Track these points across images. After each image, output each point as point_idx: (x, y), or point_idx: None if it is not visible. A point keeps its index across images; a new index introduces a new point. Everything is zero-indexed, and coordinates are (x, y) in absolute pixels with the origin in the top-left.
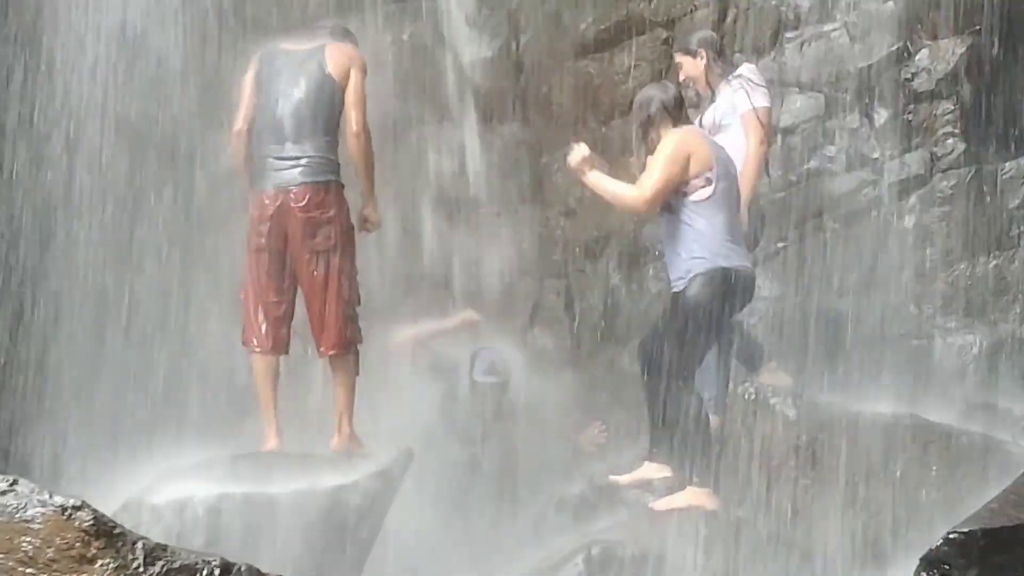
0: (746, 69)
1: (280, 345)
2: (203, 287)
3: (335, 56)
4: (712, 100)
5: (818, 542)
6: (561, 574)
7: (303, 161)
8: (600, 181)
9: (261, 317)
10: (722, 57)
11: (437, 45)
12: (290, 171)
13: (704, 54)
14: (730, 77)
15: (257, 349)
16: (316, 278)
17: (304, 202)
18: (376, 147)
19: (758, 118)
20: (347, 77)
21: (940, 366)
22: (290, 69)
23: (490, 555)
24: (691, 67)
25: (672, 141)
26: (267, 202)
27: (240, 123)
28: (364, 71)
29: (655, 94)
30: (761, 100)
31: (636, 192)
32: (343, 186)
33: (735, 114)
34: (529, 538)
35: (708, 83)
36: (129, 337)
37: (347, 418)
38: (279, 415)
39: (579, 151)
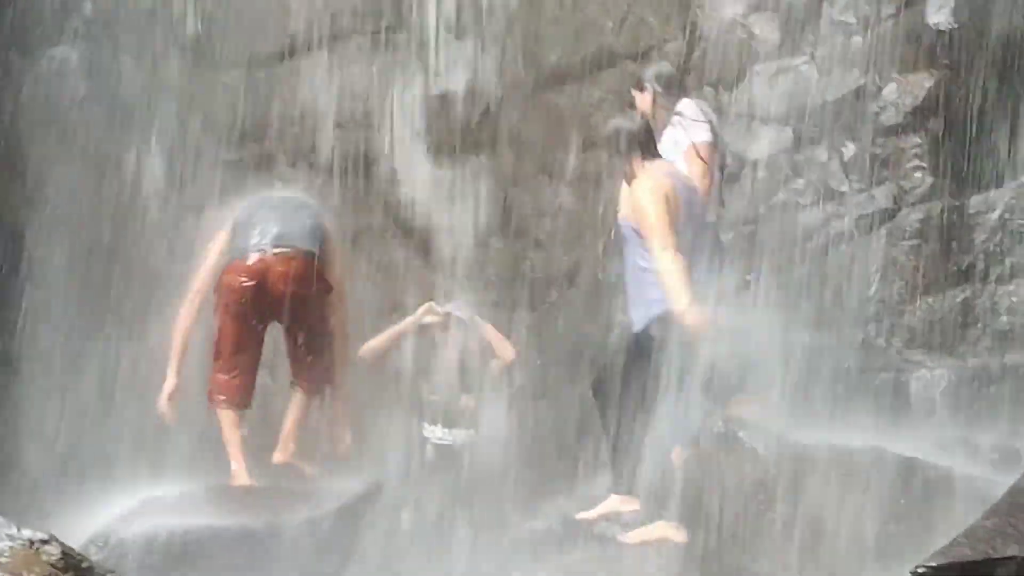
0: (685, 106)
1: (249, 399)
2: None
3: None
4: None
5: (786, 575)
6: None
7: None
8: (677, 291)
9: (230, 376)
10: (673, 92)
11: (407, 77)
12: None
13: (651, 88)
14: (672, 114)
15: (225, 406)
16: (298, 337)
17: (286, 268)
18: (346, 181)
19: (697, 153)
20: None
21: (909, 400)
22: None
23: None
24: (640, 102)
25: (647, 189)
26: (248, 268)
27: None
28: None
29: (622, 125)
30: (700, 135)
31: (665, 258)
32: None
33: (677, 151)
34: (499, 571)
35: (657, 119)
36: (94, 372)
37: (294, 436)
38: (246, 453)
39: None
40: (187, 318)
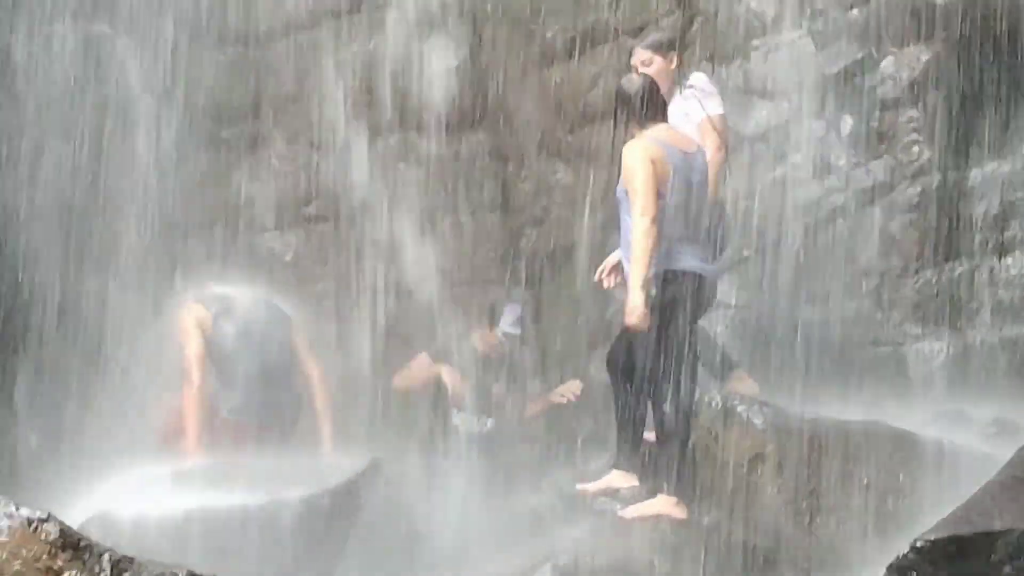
0: (697, 78)
1: None
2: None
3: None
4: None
5: (785, 549)
6: None
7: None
8: (635, 267)
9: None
10: (675, 61)
11: (400, 55)
12: None
13: (674, 58)
14: (682, 86)
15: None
16: None
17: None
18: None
19: (713, 125)
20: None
21: (907, 373)
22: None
23: (457, 564)
24: (661, 66)
25: (633, 156)
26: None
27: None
28: None
29: (621, 86)
30: (715, 107)
31: (641, 224)
32: None
33: (689, 122)
34: (496, 547)
35: (662, 88)
36: (95, 349)
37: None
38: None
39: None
40: (192, 407)
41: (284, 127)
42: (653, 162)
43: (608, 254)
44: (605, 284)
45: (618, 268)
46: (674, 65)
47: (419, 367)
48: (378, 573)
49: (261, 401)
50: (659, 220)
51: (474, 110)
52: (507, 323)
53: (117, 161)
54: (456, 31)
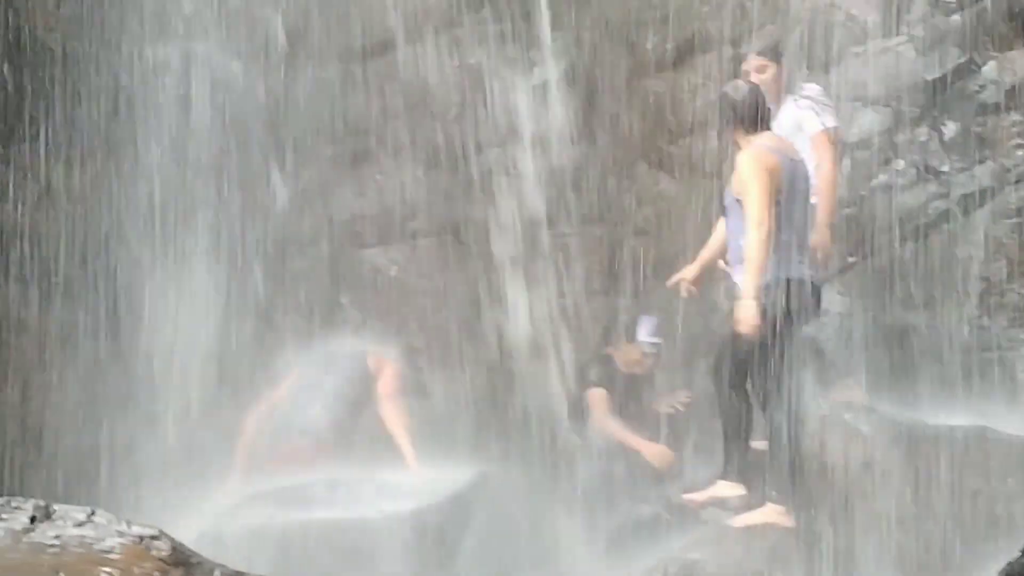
0: (812, 89)
1: None
2: (276, 315)
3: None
4: (774, 115)
5: (891, 557)
6: None
7: None
8: (749, 278)
9: None
10: (784, 70)
11: (502, 69)
12: None
13: (768, 64)
14: (797, 95)
15: None
16: None
17: None
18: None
19: (829, 139)
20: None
21: (1015, 378)
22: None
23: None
24: (772, 74)
25: (749, 165)
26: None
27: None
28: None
29: (726, 93)
30: (831, 120)
31: (757, 235)
32: None
33: (801, 133)
34: (605, 558)
35: (772, 95)
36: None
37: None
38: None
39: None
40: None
41: (388, 142)
42: (769, 171)
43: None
44: (684, 292)
45: (699, 280)
46: (784, 72)
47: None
48: None
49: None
50: (773, 230)
51: (575, 122)
52: (646, 334)
53: (220, 181)
54: (557, 44)
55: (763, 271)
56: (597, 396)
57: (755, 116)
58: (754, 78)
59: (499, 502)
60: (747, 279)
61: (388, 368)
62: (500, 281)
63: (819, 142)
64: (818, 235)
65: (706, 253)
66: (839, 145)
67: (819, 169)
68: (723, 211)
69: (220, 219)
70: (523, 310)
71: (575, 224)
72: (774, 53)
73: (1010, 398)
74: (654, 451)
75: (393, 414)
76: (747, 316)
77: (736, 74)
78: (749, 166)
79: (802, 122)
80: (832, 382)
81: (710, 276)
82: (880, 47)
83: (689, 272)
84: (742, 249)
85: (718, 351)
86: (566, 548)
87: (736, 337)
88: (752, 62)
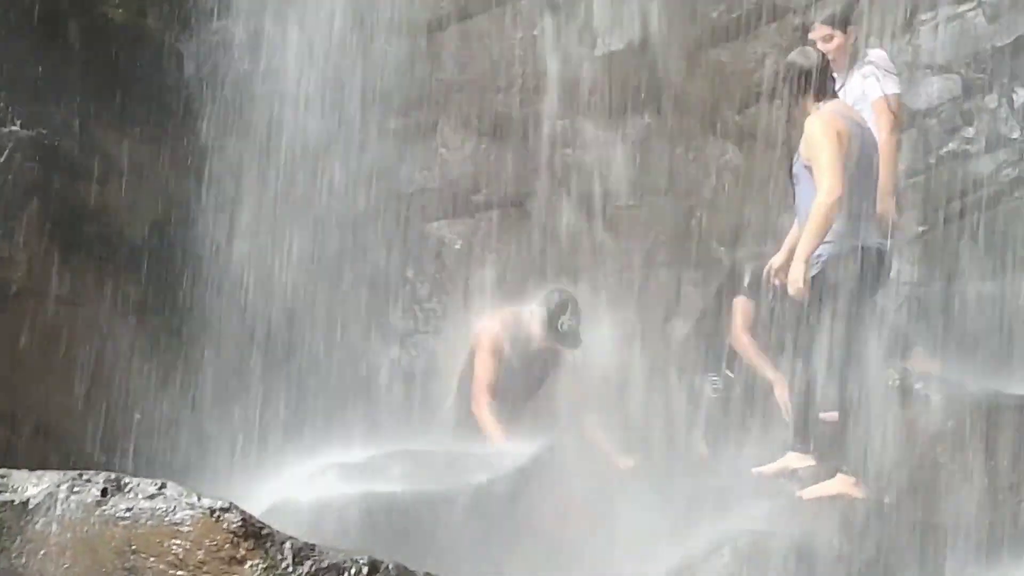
0: (876, 55)
1: None
2: (344, 289)
3: None
4: (842, 84)
5: (964, 526)
6: (707, 565)
7: None
8: (806, 240)
9: None
10: (852, 38)
11: (571, 39)
12: None
13: (852, 32)
14: (861, 63)
15: None
16: None
17: None
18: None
19: (889, 106)
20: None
21: None
22: None
23: (637, 548)
24: (839, 43)
25: (820, 130)
26: None
27: None
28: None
29: (795, 60)
30: (892, 87)
31: (826, 199)
32: None
33: (865, 100)
34: (674, 530)
35: (835, 61)
36: (274, 339)
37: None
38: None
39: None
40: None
41: (452, 116)
42: (839, 136)
43: (778, 234)
44: (775, 281)
45: (785, 268)
46: (852, 40)
47: None
48: (556, 557)
49: None
50: (844, 196)
51: (640, 92)
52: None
53: (286, 155)
54: (621, 14)
55: (822, 236)
56: (741, 305)
57: (823, 83)
58: (821, 47)
59: (565, 474)
60: (804, 240)
61: (483, 335)
62: (565, 255)
63: (878, 108)
64: (881, 203)
65: (790, 239)
66: (902, 112)
67: (879, 136)
68: (792, 180)
69: (287, 194)
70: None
71: (640, 196)
72: (841, 21)
73: None
74: (782, 384)
75: (478, 374)
76: (795, 277)
77: (803, 43)
78: (819, 130)
79: (865, 88)
80: (902, 351)
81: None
82: (949, 14)
83: (777, 260)
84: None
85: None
86: (634, 520)
87: (805, 307)
88: (819, 31)
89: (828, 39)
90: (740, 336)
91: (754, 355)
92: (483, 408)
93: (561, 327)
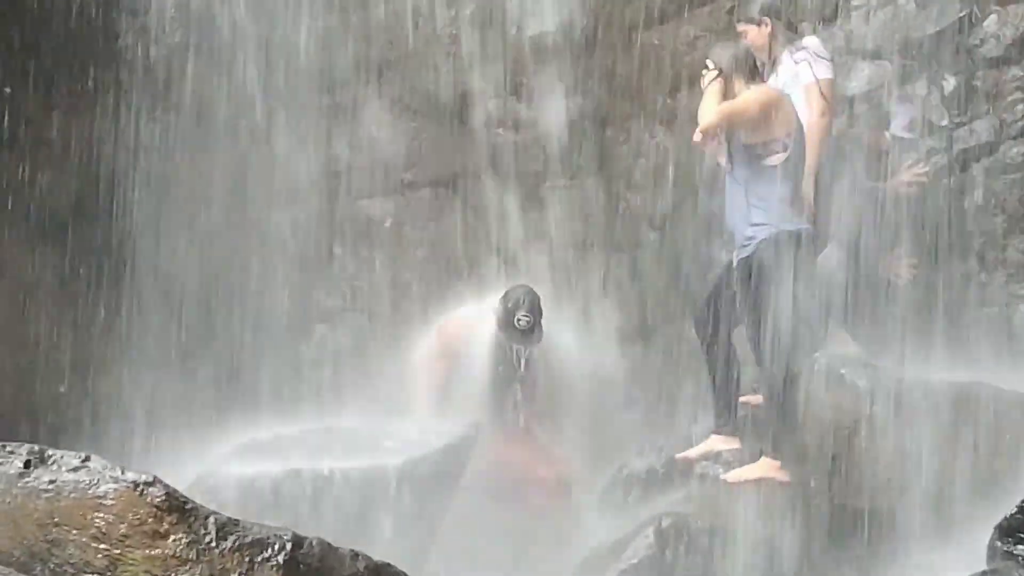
0: (810, 41)
1: None
2: (267, 263)
3: None
4: (774, 70)
5: (891, 512)
6: (632, 547)
7: None
8: (707, 98)
9: None
10: (785, 25)
11: (501, 20)
12: None
13: (768, 22)
14: (793, 49)
15: None
16: None
17: None
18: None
19: (820, 90)
20: None
21: (1013, 333)
22: None
23: (560, 528)
24: (755, 36)
25: (763, 92)
26: None
27: None
28: None
29: (727, 51)
30: (824, 72)
31: (705, 119)
32: None
33: (797, 85)
34: (599, 511)
35: (771, 52)
36: (198, 315)
37: None
38: None
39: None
40: None
41: (382, 94)
42: (776, 107)
43: (709, 216)
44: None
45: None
46: (768, 31)
47: None
48: (482, 534)
49: None
50: (783, 170)
51: (574, 73)
52: (900, 127)
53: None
54: None
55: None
56: None
57: (751, 69)
58: (749, 39)
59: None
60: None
61: (438, 337)
62: (495, 233)
63: (810, 92)
64: (805, 186)
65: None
66: (832, 98)
67: (808, 119)
68: (729, 166)
69: (215, 169)
70: (519, 263)
71: (571, 177)
72: (769, 10)
73: (1008, 354)
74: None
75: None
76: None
77: (734, 27)
78: (760, 91)
79: (798, 73)
80: (828, 337)
81: (703, 229)
82: (881, 1)
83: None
84: (751, 196)
85: (703, 302)
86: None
87: (731, 288)
88: (742, 26)
89: (744, 35)
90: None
91: None
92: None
93: (518, 323)
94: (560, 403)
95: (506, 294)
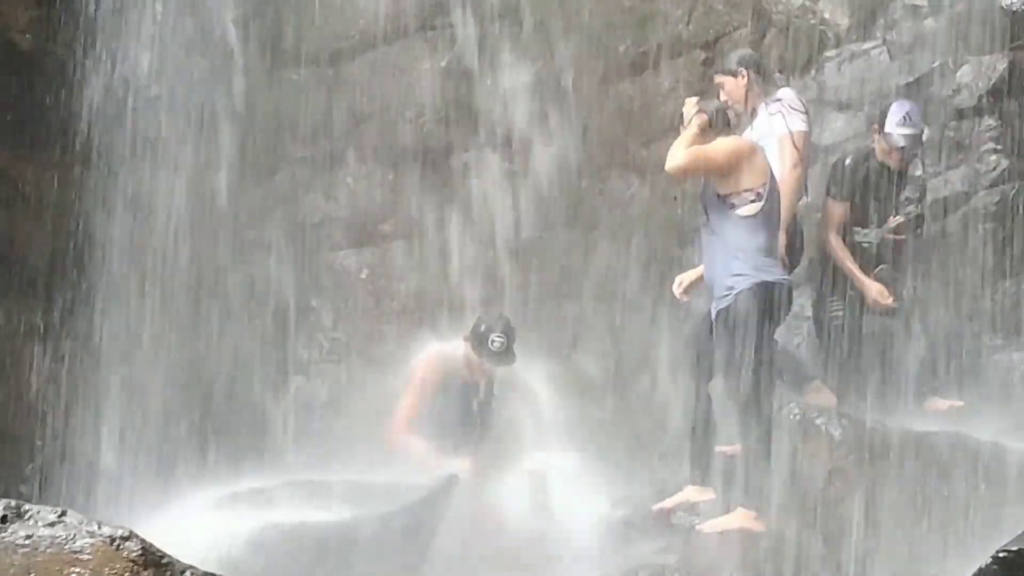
0: (785, 93)
1: None
2: (244, 315)
3: None
4: (750, 121)
5: (865, 562)
6: None
7: None
8: (686, 133)
9: None
10: (763, 77)
11: (476, 71)
12: None
13: (745, 73)
14: (769, 100)
15: None
16: None
17: None
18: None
19: (793, 142)
20: None
21: (987, 384)
22: None
23: None
24: (732, 87)
25: (733, 141)
26: None
27: None
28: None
29: (700, 102)
30: (797, 124)
31: (673, 161)
32: None
33: (771, 136)
34: (575, 562)
35: (747, 103)
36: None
37: None
38: None
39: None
40: None
41: (358, 146)
42: (748, 158)
43: (683, 268)
44: (681, 298)
45: (696, 284)
46: (744, 83)
47: None
48: None
49: None
50: (758, 221)
51: (547, 125)
52: (894, 124)
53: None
54: (529, 46)
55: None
56: (835, 208)
57: (726, 125)
58: (725, 92)
59: (468, 505)
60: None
61: (415, 370)
62: (470, 285)
63: (783, 144)
64: (781, 236)
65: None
66: (807, 149)
67: (781, 171)
68: (705, 217)
69: (193, 222)
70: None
71: (545, 228)
72: (745, 62)
73: (984, 404)
74: (876, 288)
75: (398, 410)
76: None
77: (707, 77)
78: (732, 141)
79: (773, 125)
80: (804, 386)
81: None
82: (854, 51)
83: (688, 276)
84: (729, 248)
85: (682, 353)
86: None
87: (710, 339)
88: (718, 78)
89: (721, 86)
90: (829, 240)
91: (847, 262)
92: (398, 438)
93: (492, 344)
94: (524, 448)
95: (479, 318)
